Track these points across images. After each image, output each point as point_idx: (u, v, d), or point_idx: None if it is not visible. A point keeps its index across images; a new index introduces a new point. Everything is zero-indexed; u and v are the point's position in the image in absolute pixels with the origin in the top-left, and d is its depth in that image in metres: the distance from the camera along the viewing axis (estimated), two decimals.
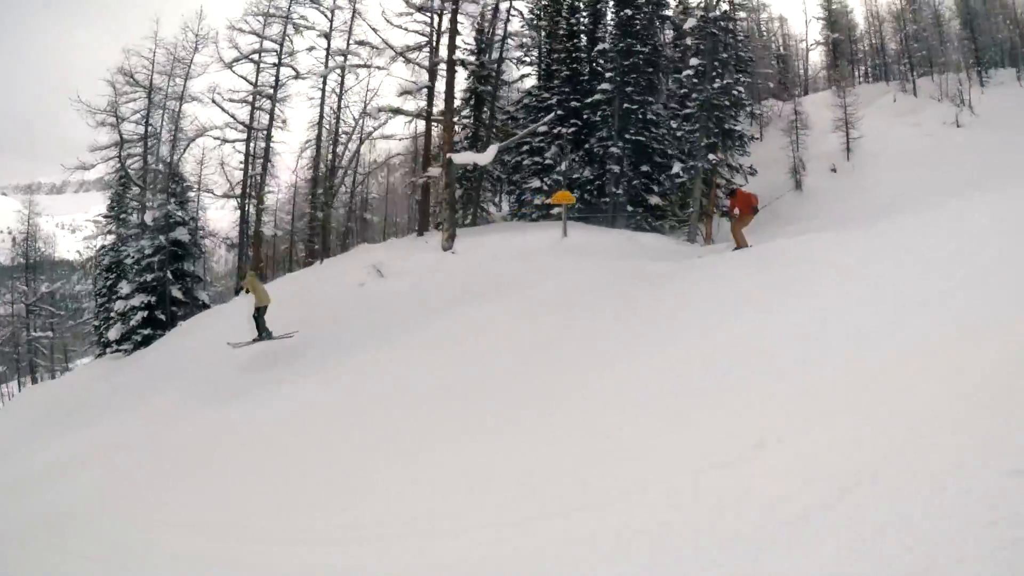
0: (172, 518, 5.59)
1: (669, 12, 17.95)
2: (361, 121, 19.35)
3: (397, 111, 17.24)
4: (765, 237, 11.47)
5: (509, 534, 3.52)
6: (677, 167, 15.48)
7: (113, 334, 18.15)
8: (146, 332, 17.25)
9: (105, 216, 21.75)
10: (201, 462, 7.14)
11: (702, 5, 15.86)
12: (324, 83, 18.33)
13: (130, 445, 8.78)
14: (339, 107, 19.06)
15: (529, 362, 7.07)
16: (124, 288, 17.85)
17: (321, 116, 18.35)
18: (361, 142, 19.40)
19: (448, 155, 14.53)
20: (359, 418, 6.91)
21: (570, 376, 6.14)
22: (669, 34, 18.82)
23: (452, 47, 14.74)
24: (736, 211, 10.09)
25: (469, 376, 7.33)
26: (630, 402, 4.92)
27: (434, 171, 15.94)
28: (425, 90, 16.61)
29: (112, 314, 18.17)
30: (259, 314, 10.45)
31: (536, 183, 17.68)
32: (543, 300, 9.53)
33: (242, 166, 19.46)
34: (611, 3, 17.68)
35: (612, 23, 17.55)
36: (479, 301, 10.86)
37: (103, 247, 20.88)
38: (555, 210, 15.41)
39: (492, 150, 14.85)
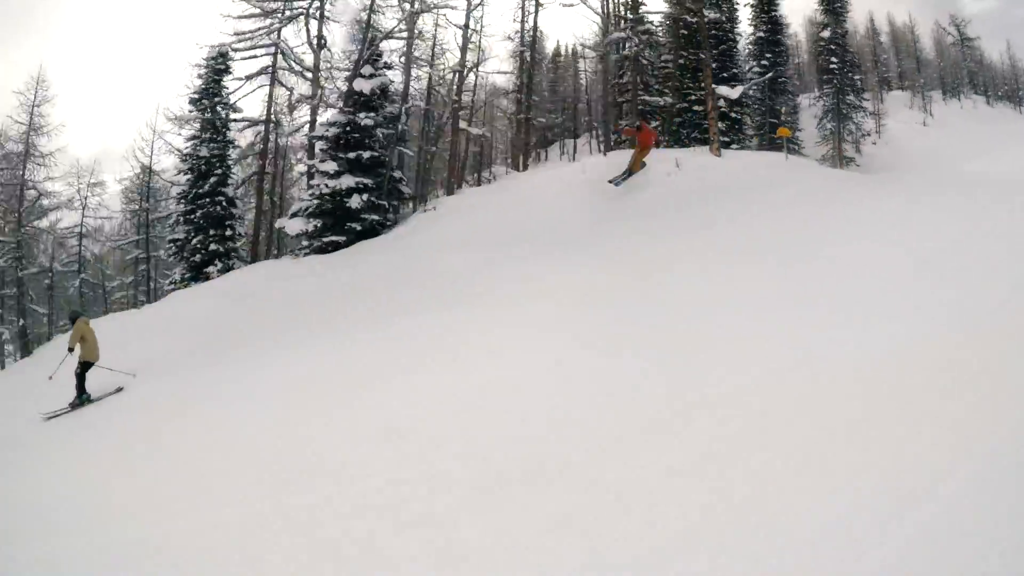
0: None
1: None
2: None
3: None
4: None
5: None
6: (827, 124, 20.74)
7: (295, 226, 14.19)
8: (374, 218, 14.12)
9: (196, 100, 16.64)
10: None
11: (827, 22, 21.89)
12: None
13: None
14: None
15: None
16: (327, 166, 14.23)
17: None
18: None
19: (712, 86, 16.79)
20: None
21: None
22: None
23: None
24: (639, 143, 12.51)
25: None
26: None
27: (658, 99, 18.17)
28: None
29: (307, 199, 14.22)
30: (83, 370, 8.46)
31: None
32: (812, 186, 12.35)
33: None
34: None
35: (764, 19, 22.14)
36: (766, 190, 13.35)
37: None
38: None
39: (740, 88, 17.53)
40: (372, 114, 14.54)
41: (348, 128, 14.48)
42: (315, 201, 14.07)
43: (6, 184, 19.25)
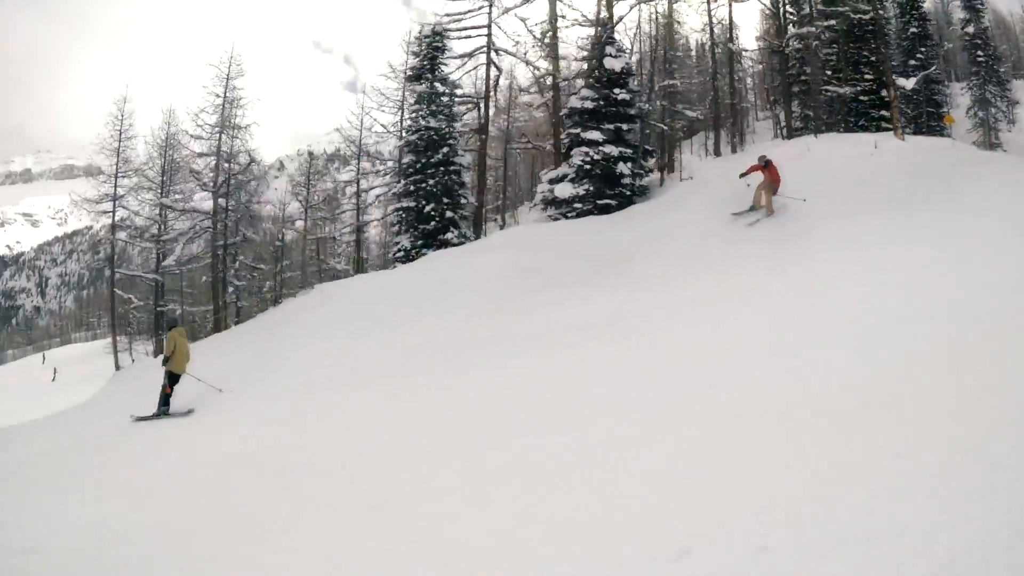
0: None
1: None
2: None
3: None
4: None
5: None
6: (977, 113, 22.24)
7: (565, 191, 14.84)
8: (640, 184, 14.95)
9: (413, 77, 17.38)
10: None
11: (969, 18, 23.38)
12: None
13: None
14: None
15: None
16: (593, 134, 14.90)
17: None
18: None
19: (893, 77, 17.88)
20: None
21: None
22: None
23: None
24: (767, 180, 11.78)
25: None
26: None
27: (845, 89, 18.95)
28: None
29: (578, 163, 14.87)
30: (169, 382, 8.58)
31: None
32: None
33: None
34: None
35: (914, 16, 23.49)
36: (969, 168, 14.25)
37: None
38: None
39: (912, 80, 18.65)
40: (623, 90, 15.27)
41: (602, 102, 15.21)
42: (585, 166, 14.77)
43: (205, 154, 19.52)
